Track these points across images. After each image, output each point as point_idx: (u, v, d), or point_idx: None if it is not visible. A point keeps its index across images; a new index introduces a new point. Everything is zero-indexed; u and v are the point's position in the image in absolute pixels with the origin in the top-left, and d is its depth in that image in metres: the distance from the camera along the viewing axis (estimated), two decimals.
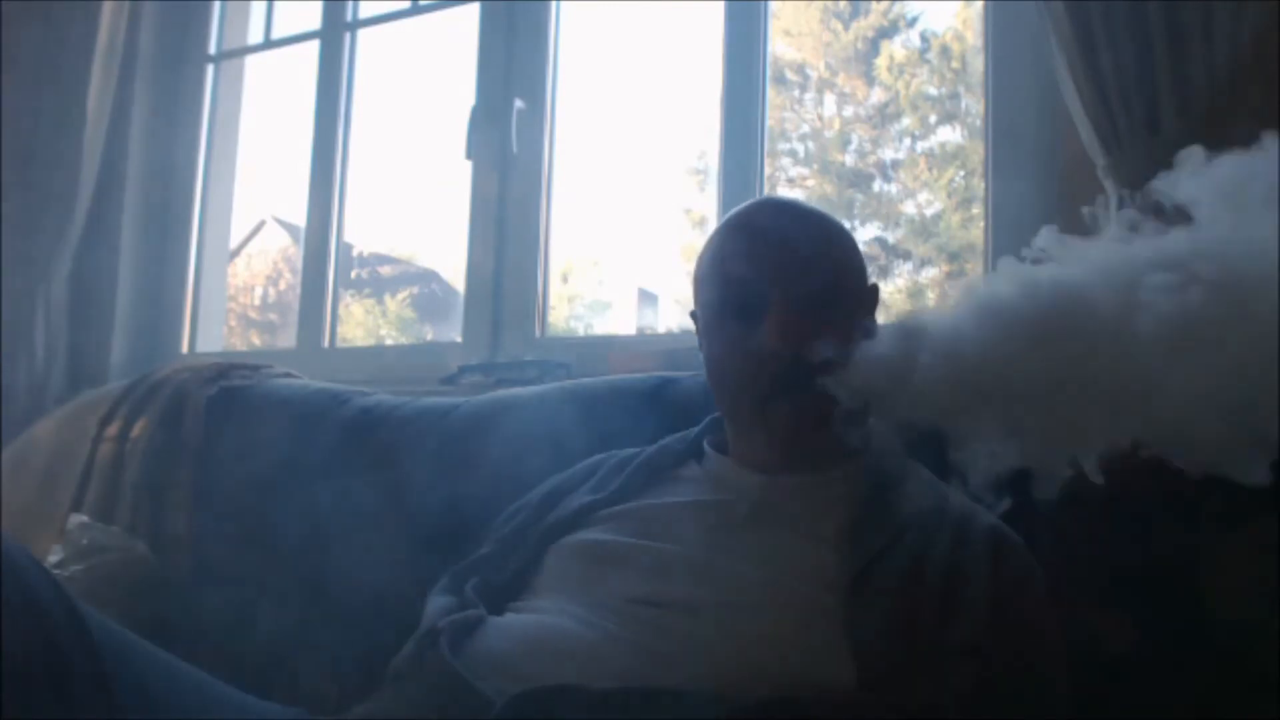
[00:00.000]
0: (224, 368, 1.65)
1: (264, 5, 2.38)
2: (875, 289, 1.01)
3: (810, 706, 0.73)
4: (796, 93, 4.65)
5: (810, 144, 4.64)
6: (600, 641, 0.81)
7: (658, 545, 0.89)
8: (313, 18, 2.25)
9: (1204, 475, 0.71)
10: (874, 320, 0.98)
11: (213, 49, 2.36)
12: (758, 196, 1.74)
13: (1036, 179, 1.48)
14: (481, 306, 1.92)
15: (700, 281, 1.00)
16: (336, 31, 2.19)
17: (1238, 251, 0.70)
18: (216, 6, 2.37)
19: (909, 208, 4.19)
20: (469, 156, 1.95)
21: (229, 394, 1.58)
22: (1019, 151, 1.51)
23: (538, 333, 1.90)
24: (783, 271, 0.91)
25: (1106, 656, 0.90)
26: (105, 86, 2.14)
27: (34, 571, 0.69)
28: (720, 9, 1.81)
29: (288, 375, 1.68)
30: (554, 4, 1.97)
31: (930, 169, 4.16)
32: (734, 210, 1.02)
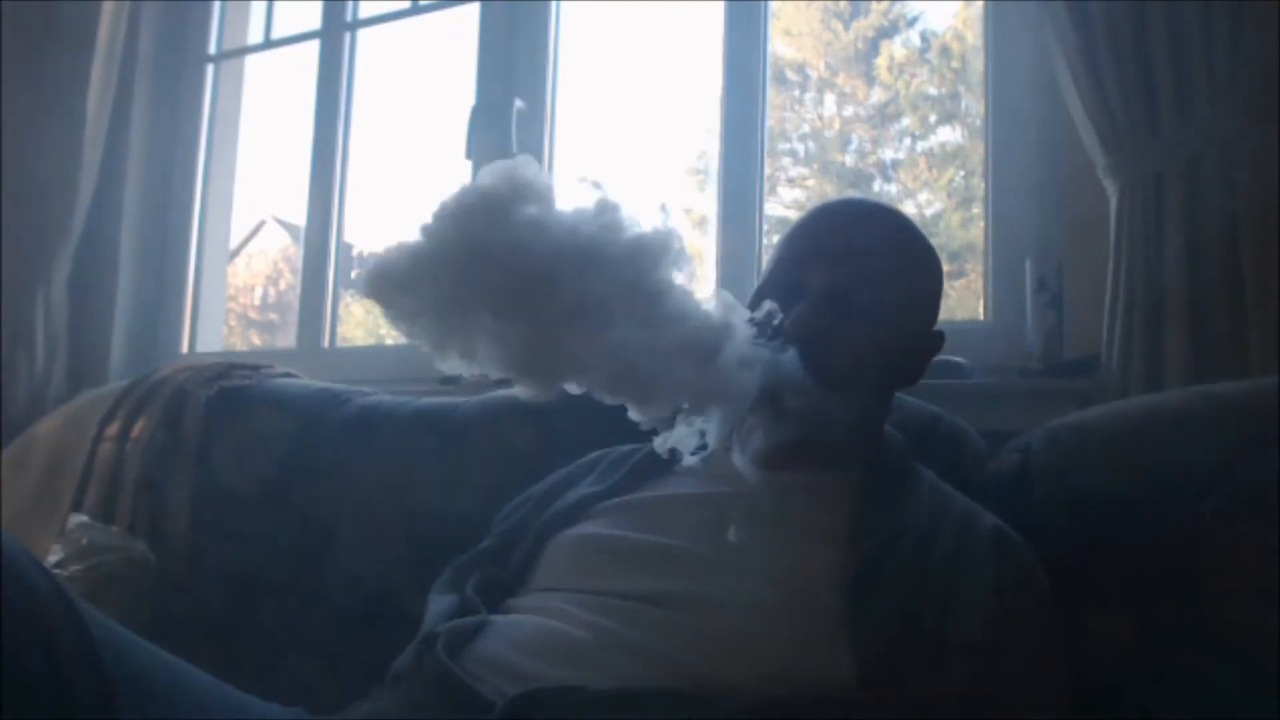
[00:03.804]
0: (224, 368, 1.65)
1: (264, 5, 2.38)
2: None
3: (810, 705, 0.73)
4: (796, 93, 4.65)
5: (810, 144, 4.64)
6: (599, 641, 0.81)
7: (658, 539, 0.89)
8: (313, 18, 2.25)
9: None
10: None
11: (213, 49, 2.36)
12: (757, 194, 1.75)
13: (1036, 179, 1.48)
14: None
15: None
16: (336, 31, 2.19)
17: None
18: (216, 6, 2.37)
19: (909, 208, 4.18)
20: (469, 156, 1.95)
21: (229, 394, 1.58)
22: (1019, 151, 1.51)
23: None
24: (824, 259, 0.90)
25: (1107, 657, 0.90)
26: (105, 86, 2.14)
27: (34, 571, 0.69)
28: (720, 9, 1.81)
29: (288, 375, 1.68)
30: (554, 4, 1.97)
31: (930, 169, 4.15)
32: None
